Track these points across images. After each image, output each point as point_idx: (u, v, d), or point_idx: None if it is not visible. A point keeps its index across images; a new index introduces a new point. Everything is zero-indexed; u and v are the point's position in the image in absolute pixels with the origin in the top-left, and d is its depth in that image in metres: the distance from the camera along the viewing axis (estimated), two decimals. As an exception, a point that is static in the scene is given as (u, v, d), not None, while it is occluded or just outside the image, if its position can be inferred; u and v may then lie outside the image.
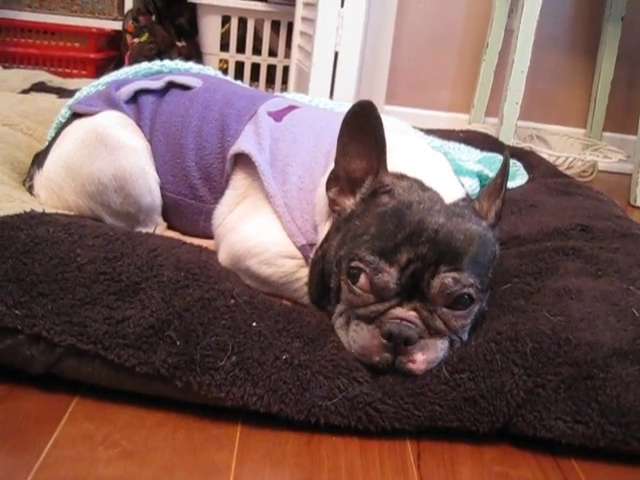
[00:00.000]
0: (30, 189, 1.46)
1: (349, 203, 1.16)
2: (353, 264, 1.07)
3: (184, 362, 1.03)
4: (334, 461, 0.99)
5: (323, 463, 0.99)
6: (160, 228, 1.43)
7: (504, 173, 1.18)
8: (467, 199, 1.17)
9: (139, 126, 1.43)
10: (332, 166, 1.18)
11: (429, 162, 1.26)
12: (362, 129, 1.11)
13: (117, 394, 1.06)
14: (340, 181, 1.17)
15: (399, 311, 1.06)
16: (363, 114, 1.10)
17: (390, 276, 1.04)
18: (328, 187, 1.18)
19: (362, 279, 1.07)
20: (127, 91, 1.46)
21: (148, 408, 1.05)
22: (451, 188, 1.17)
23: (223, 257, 1.30)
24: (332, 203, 1.18)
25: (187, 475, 0.93)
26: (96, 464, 0.93)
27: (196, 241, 1.36)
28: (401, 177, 1.15)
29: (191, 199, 1.40)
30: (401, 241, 1.04)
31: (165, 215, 1.45)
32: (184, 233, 1.44)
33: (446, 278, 1.04)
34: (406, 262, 1.04)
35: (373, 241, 1.06)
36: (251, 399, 1.02)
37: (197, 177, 1.39)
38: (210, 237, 1.39)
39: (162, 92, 1.48)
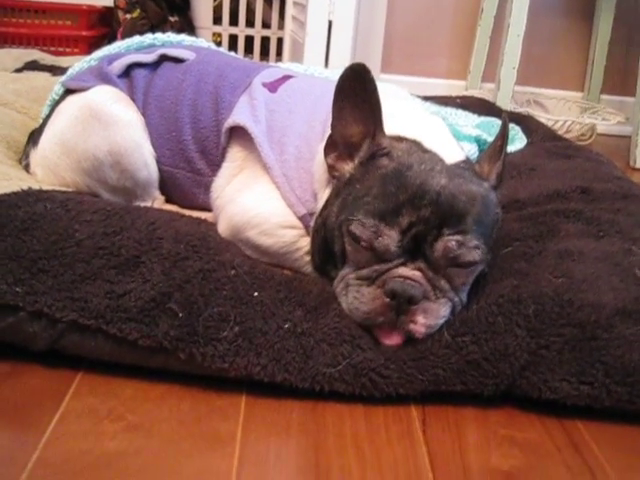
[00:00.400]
0: (26, 167, 1.45)
1: (348, 168, 1.15)
2: (352, 227, 1.06)
3: (187, 334, 1.03)
4: (339, 428, 1.00)
5: (328, 430, 0.99)
6: (158, 202, 1.43)
7: (504, 135, 1.17)
8: (468, 161, 1.16)
9: (132, 100, 1.41)
10: (329, 133, 1.17)
11: (427, 126, 1.25)
12: (356, 93, 1.09)
13: (120, 368, 1.06)
14: (338, 146, 1.16)
15: (403, 270, 1.05)
16: (356, 77, 1.08)
17: (390, 239, 1.03)
18: (326, 153, 1.17)
19: (363, 241, 1.06)
20: (119, 65, 1.44)
21: (152, 381, 1.05)
22: (451, 150, 1.16)
23: (223, 229, 1.30)
24: (331, 169, 1.17)
25: (193, 446, 0.93)
26: (102, 438, 0.93)
27: (195, 214, 1.36)
28: (399, 139, 1.14)
29: (188, 172, 1.39)
30: (403, 203, 1.03)
31: (163, 189, 1.44)
32: (182, 206, 1.43)
33: (450, 241, 1.03)
34: (408, 225, 1.03)
35: (374, 203, 1.05)
36: (255, 369, 1.03)
37: (194, 150, 1.38)
38: (209, 209, 1.39)
39: (155, 65, 1.46)
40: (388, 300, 1.04)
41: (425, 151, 1.12)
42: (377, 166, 1.10)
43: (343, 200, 1.13)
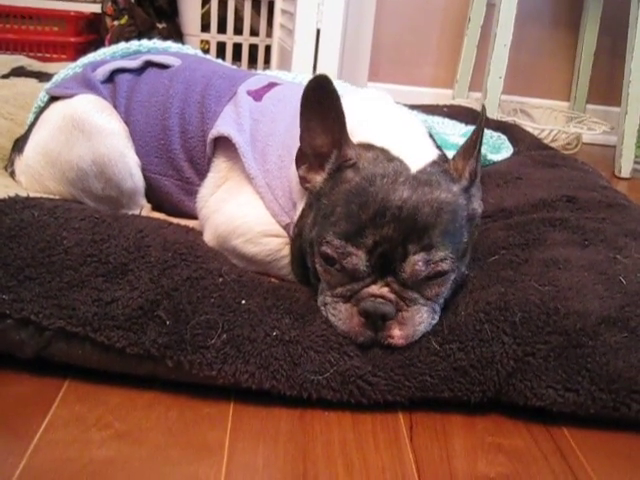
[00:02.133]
0: (12, 175, 1.45)
1: (319, 179, 1.15)
2: (322, 249, 1.07)
3: (174, 342, 1.03)
4: (327, 436, 1.00)
5: (317, 438, 0.99)
6: (145, 210, 1.42)
7: (479, 130, 1.14)
8: (438, 162, 1.14)
9: (115, 106, 1.41)
10: None
11: (398, 128, 1.24)
12: (321, 104, 1.09)
13: (108, 376, 1.06)
14: (308, 157, 1.16)
15: (373, 289, 1.06)
16: (319, 88, 1.08)
17: (359, 259, 1.04)
18: (297, 165, 1.17)
19: (333, 262, 1.06)
20: (103, 71, 1.44)
21: (140, 389, 1.05)
22: (420, 153, 1.14)
23: (209, 238, 1.30)
24: (303, 180, 1.17)
25: (181, 454, 0.93)
26: (89, 446, 0.93)
27: (182, 221, 1.36)
28: (367, 148, 1.14)
29: (177, 180, 1.39)
30: (365, 223, 1.03)
31: (149, 196, 1.43)
32: (170, 214, 1.43)
33: (417, 263, 1.03)
34: (373, 244, 1.03)
35: (339, 223, 1.05)
36: (243, 376, 1.03)
37: (183, 159, 1.38)
38: (196, 217, 1.39)
39: (139, 71, 1.47)
40: (363, 319, 1.06)
41: (391, 159, 1.10)
42: (343, 180, 1.10)
43: (315, 215, 1.13)
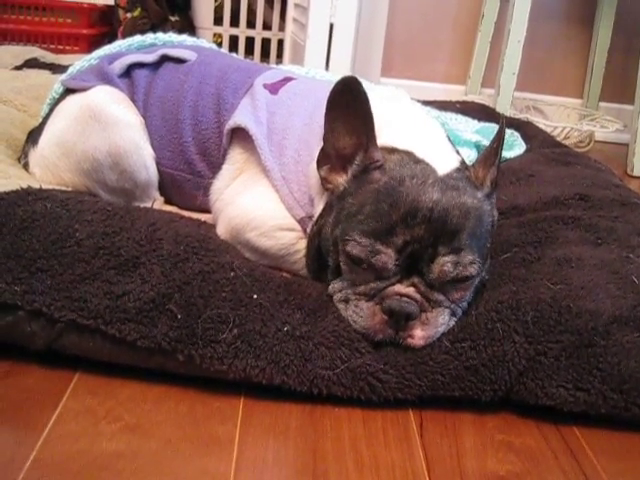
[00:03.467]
0: (25, 166, 1.45)
1: (341, 180, 1.14)
2: (349, 247, 1.06)
3: (186, 335, 1.03)
4: (337, 432, 1.00)
5: (327, 434, 0.99)
6: (158, 203, 1.42)
7: (499, 139, 1.16)
8: (461, 168, 1.15)
9: (133, 101, 1.41)
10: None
11: (422, 132, 1.24)
12: (348, 105, 1.09)
13: (119, 369, 1.06)
14: (330, 159, 1.15)
15: (399, 287, 1.06)
16: (348, 90, 1.08)
17: (388, 257, 1.04)
18: (319, 165, 1.17)
19: (360, 259, 1.06)
20: (120, 65, 1.44)
21: (150, 382, 1.05)
22: (444, 158, 1.15)
23: (222, 231, 1.30)
24: (324, 181, 1.17)
25: (190, 448, 0.93)
26: (99, 438, 0.93)
27: (194, 215, 1.36)
28: (392, 151, 1.14)
29: (189, 174, 1.39)
30: (396, 222, 1.03)
31: (162, 190, 1.44)
32: (182, 208, 1.43)
33: (445, 264, 1.04)
34: (403, 244, 1.03)
35: (368, 222, 1.05)
36: (253, 371, 1.03)
37: (194, 152, 1.38)
38: (208, 211, 1.39)
39: (156, 66, 1.46)
40: (386, 317, 1.06)
41: (417, 162, 1.11)
42: (370, 180, 1.10)
43: (337, 214, 1.13)
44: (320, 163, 1.17)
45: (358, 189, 1.11)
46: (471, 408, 1.07)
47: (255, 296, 1.09)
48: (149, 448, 0.93)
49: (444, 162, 1.13)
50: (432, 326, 1.07)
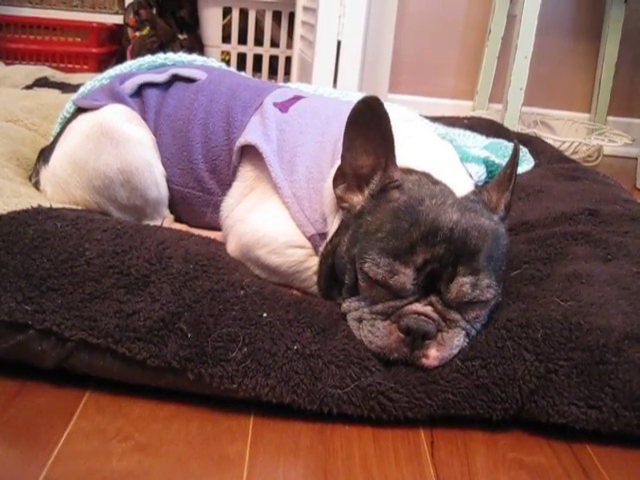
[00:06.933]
0: (36, 185, 1.46)
1: (357, 200, 1.15)
2: (366, 266, 1.06)
3: (195, 354, 1.03)
4: (348, 450, 0.99)
5: (337, 453, 0.99)
6: (167, 221, 1.43)
7: (514, 164, 1.16)
8: (477, 191, 1.15)
9: (144, 119, 1.42)
10: (340, 156, 1.16)
11: (437, 154, 1.24)
12: (369, 125, 1.09)
13: (129, 388, 1.06)
14: (347, 178, 1.16)
15: (417, 306, 1.05)
16: (369, 110, 1.08)
17: (406, 277, 1.04)
18: (335, 184, 1.17)
19: (378, 281, 1.06)
20: (131, 85, 1.45)
21: (160, 401, 1.06)
22: (461, 180, 1.16)
23: (232, 248, 1.30)
24: (340, 200, 1.17)
25: (201, 467, 0.93)
26: (110, 458, 0.93)
27: (204, 233, 1.36)
28: (409, 171, 1.14)
29: (199, 191, 1.40)
30: (416, 241, 1.03)
31: (172, 207, 1.45)
32: (191, 225, 1.44)
33: (464, 284, 1.03)
34: (422, 263, 1.03)
35: (387, 240, 1.05)
36: (263, 390, 1.03)
37: (204, 170, 1.39)
38: (217, 228, 1.39)
39: (166, 85, 1.47)
40: (403, 336, 1.05)
41: (435, 183, 1.11)
42: (388, 199, 1.10)
43: (354, 232, 1.13)
44: (336, 182, 1.17)
45: (376, 208, 1.11)
46: (482, 426, 1.06)
47: (265, 314, 1.09)
48: (160, 467, 0.93)
49: (460, 184, 1.14)
50: (447, 347, 1.07)
